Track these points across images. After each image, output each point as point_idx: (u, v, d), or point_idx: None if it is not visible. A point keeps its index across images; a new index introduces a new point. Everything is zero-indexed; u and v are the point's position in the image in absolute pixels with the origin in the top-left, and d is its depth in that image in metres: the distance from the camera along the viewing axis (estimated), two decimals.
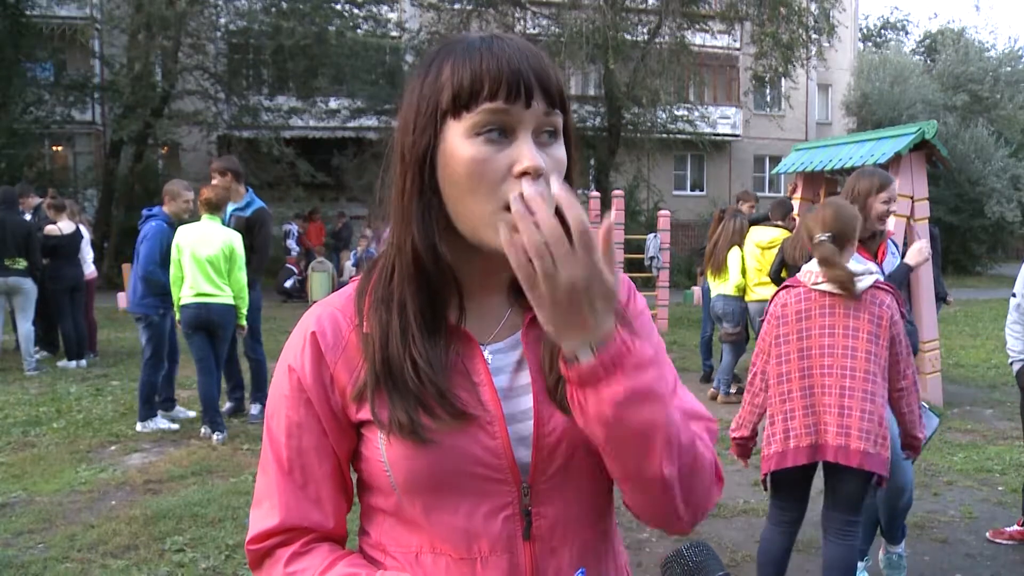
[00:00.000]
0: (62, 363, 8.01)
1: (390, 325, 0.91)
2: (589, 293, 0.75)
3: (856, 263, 2.73)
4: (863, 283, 2.68)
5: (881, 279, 2.76)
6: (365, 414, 0.91)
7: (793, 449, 2.69)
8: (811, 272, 2.75)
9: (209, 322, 5.42)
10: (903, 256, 3.58)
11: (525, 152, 0.84)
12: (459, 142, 0.86)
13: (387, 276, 0.94)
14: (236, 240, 5.51)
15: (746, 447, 2.93)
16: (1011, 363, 3.93)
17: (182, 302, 5.40)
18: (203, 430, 5.58)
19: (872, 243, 3.35)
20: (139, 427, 5.74)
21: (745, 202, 7.83)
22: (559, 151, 0.89)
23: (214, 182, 5.86)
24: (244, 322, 5.69)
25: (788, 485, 2.86)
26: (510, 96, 0.85)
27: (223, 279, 5.41)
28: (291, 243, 16.01)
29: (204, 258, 5.33)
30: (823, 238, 2.73)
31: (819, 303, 2.70)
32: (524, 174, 0.84)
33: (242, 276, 5.54)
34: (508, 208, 0.82)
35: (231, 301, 5.48)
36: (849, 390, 2.63)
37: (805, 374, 2.70)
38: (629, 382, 0.78)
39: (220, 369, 5.70)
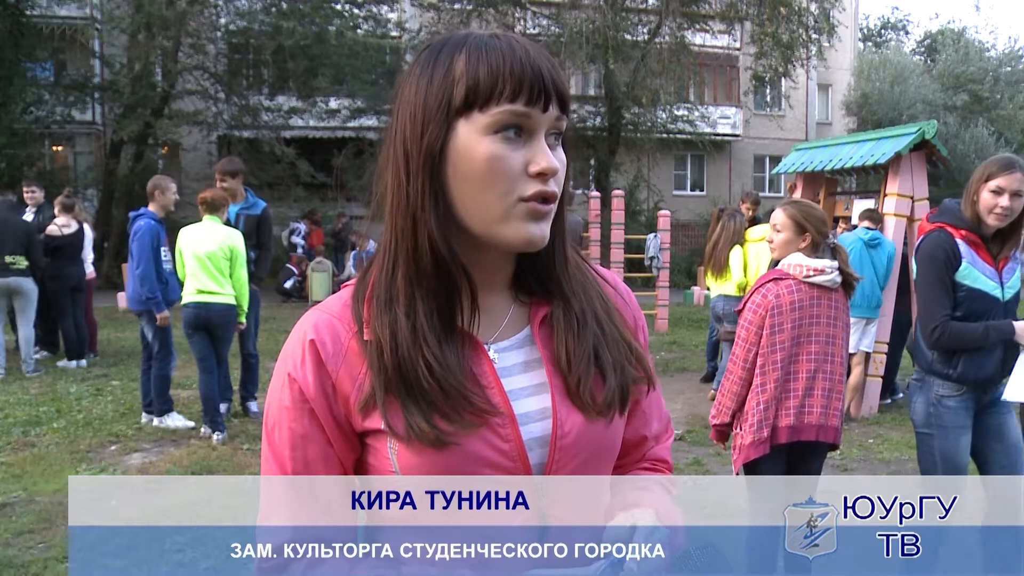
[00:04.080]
0: (62, 363, 8.00)
1: (399, 328, 0.89)
2: None
3: (817, 260, 2.87)
4: (839, 277, 2.90)
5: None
6: (372, 423, 0.89)
7: (785, 427, 2.86)
8: (801, 266, 2.88)
9: (208, 322, 5.41)
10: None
11: (541, 154, 0.86)
12: (476, 139, 0.86)
13: (388, 275, 0.91)
14: (238, 239, 5.49)
15: (725, 433, 3.06)
16: None
17: (183, 301, 5.39)
18: (203, 430, 5.57)
19: (997, 246, 2.82)
20: (156, 422, 5.76)
21: (743, 203, 7.80)
22: (562, 153, 0.91)
23: (223, 184, 5.87)
24: (244, 319, 5.67)
25: (767, 469, 2.94)
26: (531, 99, 0.86)
27: (224, 277, 5.39)
28: (296, 239, 15.97)
29: (204, 254, 5.32)
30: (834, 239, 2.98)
31: (809, 295, 2.87)
32: (540, 174, 0.86)
33: (243, 274, 5.53)
34: (523, 200, 0.85)
35: (232, 301, 5.46)
36: (829, 374, 2.87)
37: (794, 360, 2.87)
38: None
39: (221, 368, 5.70)
